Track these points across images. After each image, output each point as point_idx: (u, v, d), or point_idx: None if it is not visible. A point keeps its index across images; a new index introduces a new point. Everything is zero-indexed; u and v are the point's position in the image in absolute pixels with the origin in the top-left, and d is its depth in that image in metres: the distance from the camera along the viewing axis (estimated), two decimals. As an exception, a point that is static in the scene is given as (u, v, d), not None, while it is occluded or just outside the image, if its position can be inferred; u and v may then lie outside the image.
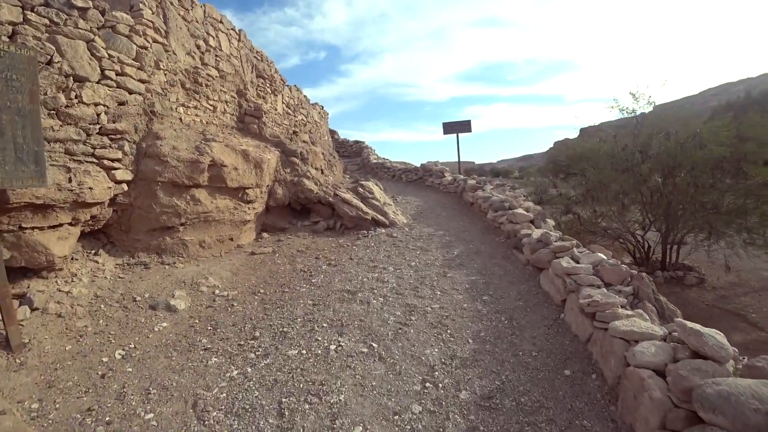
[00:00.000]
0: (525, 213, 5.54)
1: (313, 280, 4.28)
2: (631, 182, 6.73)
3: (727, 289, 6.42)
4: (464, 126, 11.67)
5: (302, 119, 11.71)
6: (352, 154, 18.64)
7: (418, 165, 11.50)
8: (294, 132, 11.05)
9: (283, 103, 10.52)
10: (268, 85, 9.07)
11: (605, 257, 3.60)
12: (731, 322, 5.12)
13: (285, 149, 6.93)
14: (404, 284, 4.12)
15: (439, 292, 3.91)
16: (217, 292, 3.99)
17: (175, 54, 5.38)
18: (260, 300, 3.86)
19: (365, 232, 6.28)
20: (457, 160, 12.37)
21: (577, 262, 3.49)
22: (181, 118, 5.35)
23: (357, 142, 19.37)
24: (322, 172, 12.46)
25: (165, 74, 5.13)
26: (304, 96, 12.33)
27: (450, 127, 11.69)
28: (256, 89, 8.39)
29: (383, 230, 6.37)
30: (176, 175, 4.50)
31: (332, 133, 23.91)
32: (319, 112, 14.78)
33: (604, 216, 7.64)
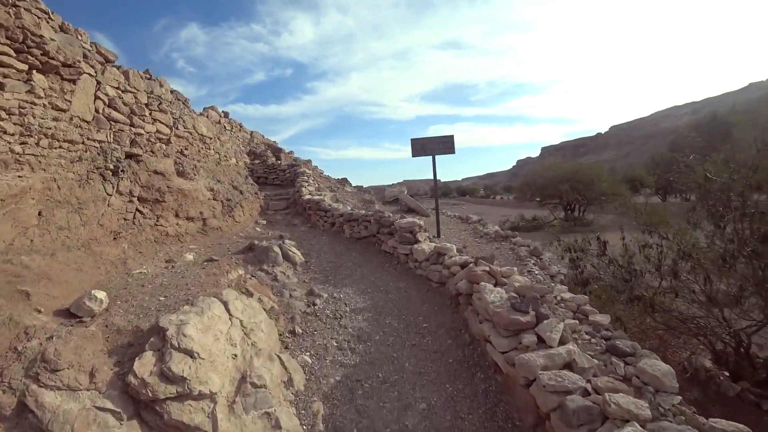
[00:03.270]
0: None
1: None
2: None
3: None
4: (444, 145, 7.05)
5: (160, 131, 6.51)
6: (286, 182, 13.36)
7: (384, 189, 7.04)
8: (132, 156, 5.82)
9: (101, 98, 5.31)
10: (22, 48, 3.90)
11: None
12: None
13: None
14: None
15: None
16: None
17: None
18: None
19: None
20: (430, 178, 7.72)
21: None
22: None
23: (292, 165, 14.05)
24: (204, 223, 7.24)
25: None
26: (171, 92, 7.14)
27: (422, 147, 7.00)
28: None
29: None
30: None
31: (277, 151, 18.33)
32: (219, 122, 9.61)
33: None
